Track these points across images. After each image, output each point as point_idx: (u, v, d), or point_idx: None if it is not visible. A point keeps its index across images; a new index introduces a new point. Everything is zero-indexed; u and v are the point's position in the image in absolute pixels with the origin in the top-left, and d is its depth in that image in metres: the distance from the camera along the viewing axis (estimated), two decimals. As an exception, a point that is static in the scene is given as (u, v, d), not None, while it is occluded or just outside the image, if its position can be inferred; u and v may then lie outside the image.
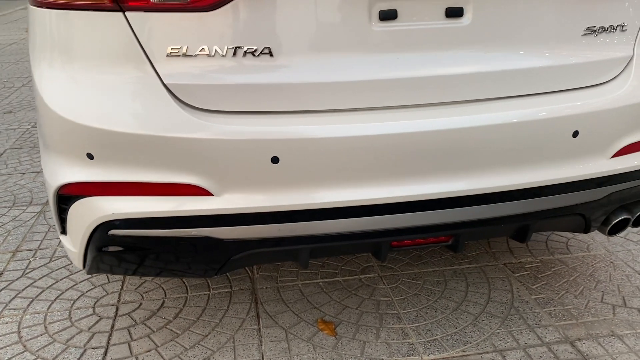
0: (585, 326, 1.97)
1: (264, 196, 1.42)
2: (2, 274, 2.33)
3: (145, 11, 1.35)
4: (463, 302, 2.12)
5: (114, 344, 1.92)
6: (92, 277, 2.29)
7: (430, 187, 1.48)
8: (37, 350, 1.89)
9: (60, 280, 2.28)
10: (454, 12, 1.44)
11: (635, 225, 1.85)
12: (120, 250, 1.51)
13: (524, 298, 2.13)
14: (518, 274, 2.28)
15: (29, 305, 2.13)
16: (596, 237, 2.55)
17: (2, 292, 2.21)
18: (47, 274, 2.31)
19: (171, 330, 1.98)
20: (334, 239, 1.51)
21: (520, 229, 1.68)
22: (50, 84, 1.42)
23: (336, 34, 1.41)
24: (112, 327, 2.00)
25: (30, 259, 2.43)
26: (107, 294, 2.19)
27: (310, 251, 1.55)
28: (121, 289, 2.21)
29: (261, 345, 1.90)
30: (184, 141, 1.36)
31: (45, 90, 1.42)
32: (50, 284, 2.25)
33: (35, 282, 2.27)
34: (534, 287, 2.20)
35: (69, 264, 2.37)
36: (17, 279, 2.29)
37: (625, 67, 1.62)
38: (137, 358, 1.85)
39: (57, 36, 1.41)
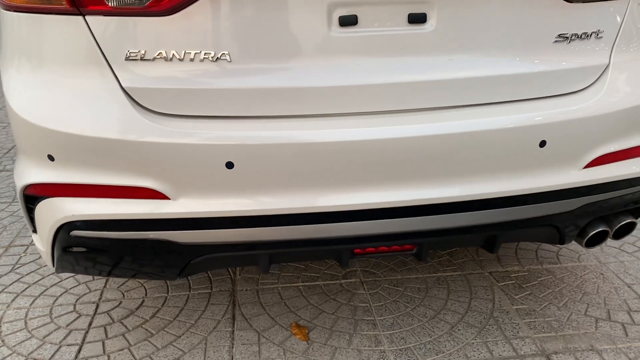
0: (564, 339, 1.92)
1: (220, 201, 1.42)
2: (-8, 268, 2.38)
3: (104, 15, 1.36)
4: (442, 310, 2.08)
5: (89, 342, 1.94)
6: (77, 275, 2.32)
7: (388, 195, 1.46)
8: (14, 346, 1.93)
9: (47, 277, 2.32)
10: (417, 18, 1.42)
11: (616, 237, 1.80)
12: (84, 251, 1.53)
13: (504, 308, 2.09)
14: (502, 283, 2.24)
15: (13, 300, 2.17)
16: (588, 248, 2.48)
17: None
18: (35, 270, 2.36)
19: (146, 329, 2.00)
20: (292, 245, 1.50)
21: (488, 239, 1.65)
22: (14, 86, 1.45)
23: (295, 39, 1.40)
24: (90, 324, 2.03)
25: (21, 255, 2.48)
26: (90, 291, 2.22)
27: (269, 257, 1.54)
28: (104, 287, 2.24)
29: (232, 347, 1.91)
30: (139, 144, 1.37)
31: (9, 92, 1.45)
32: (36, 279, 2.29)
33: (22, 277, 2.31)
34: (516, 297, 2.15)
35: (57, 261, 2.41)
36: (5, 274, 2.34)
37: (600, 75, 1.57)
38: (109, 356, 1.87)
39: (20, 39, 1.43)
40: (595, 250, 2.47)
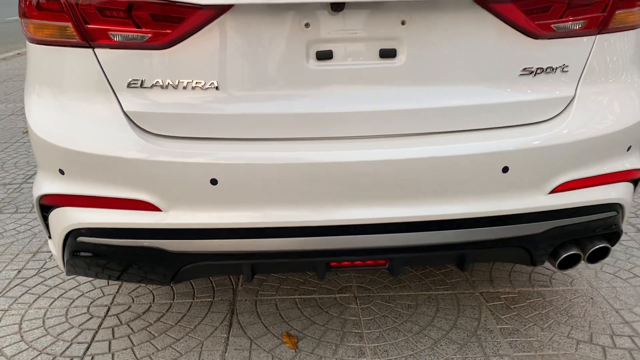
0: (542, 358, 1.99)
1: (206, 213, 1.59)
2: (20, 271, 2.61)
3: (110, 48, 1.56)
4: (427, 326, 2.18)
5: (97, 341, 2.12)
6: (95, 279, 2.52)
7: (360, 213, 1.59)
8: (31, 341, 2.13)
9: (67, 280, 2.53)
10: (388, 53, 1.56)
11: (590, 261, 1.87)
12: (89, 256, 1.71)
13: (489, 327, 2.17)
14: (491, 303, 2.31)
15: (34, 300, 2.38)
16: (583, 272, 2.53)
17: (16, 287, 2.48)
18: (57, 274, 2.57)
19: (149, 332, 2.17)
20: (271, 257, 1.65)
21: (459, 257, 1.75)
22: (34, 108, 1.66)
23: (277, 71, 1.56)
24: (100, 325, 2.21)
25: (47, 260, 2.70)
26: (104, 295, 2.41)
27: (251, 267, 1.69)
28: (117, 292, 2.43)
29: (225, 352, 2.05)
30: (136, 162, 1.55)
31: (30, 113, 1.66)
32: (57, 283, 2.51)
33: (45, 280, 2.53)
34: (503, 317, 2.23)
35: (77, 267, 2.62)
36: (31, 277, 2.56)
37: (566, 107, 1.66)
38: (113, 355, 2.05)
39: (40, 67, 1.65)
40: (589, 274, 2.51)
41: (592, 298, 2.34)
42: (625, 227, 2.93)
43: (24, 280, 2.54)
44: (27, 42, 1.69)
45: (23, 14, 1.63)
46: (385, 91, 1.59)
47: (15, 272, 2.61)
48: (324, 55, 1.55)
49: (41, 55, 1.64)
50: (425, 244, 1.65)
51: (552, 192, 1.67)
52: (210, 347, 2.08)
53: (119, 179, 1.58)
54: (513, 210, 1.65)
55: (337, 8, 1.50)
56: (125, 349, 2.07)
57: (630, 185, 1.81)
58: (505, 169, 1.59)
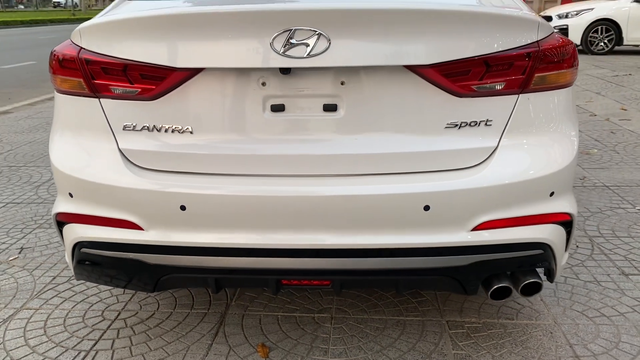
0: (483, 383, 2.18)
1: (177, 233, 1.94)
2: (55, 278, 3.06)
3: (111, 98, 1.96)
4: (389, 347, 2.42)
5: (103, 339, 2.51)
6: (113, 288, 2.93)
7: (305, 239, 1.89)
8: (52, 335, 2.54)
9: (90, 288, 2.95)
10: (330, 108, 1.88)
11: (524, 294, 2.06)
12: (90, 264, 2.10)
13: (444, 351, 2.37)
14: (453, 331, 2.52)
15: (61, 303, 2.81)
16: (552, 308, 2.68)
17: (49, 291, 2.92)
18: (83, 282, 3.00)
19: (147, 335, 2.53)
20: (231, 272, 1.97)
21: (393, 283, 2.00)
22: (54, 144, 2.09)
23: (239, 120, 1.91)
24: (109, 326, 2.60)
25: (78, 270, 3.15)
26: (118, 302, 2.81)
27: (215, 280, 2.02)
28: (129, 300, 2.83)
29: (206, 356, 2.38)
30: (125, 189, 1.93)
31: (51, 147, 2.09)
32: (82, 289, 2.93)
33: (73, 287, 2.96)
34: (460, 343, 2.43)
35: (100, 277, 3.05)
36: (62, 283, 3.00)
37: (489, 156, 1.91)
38: (114, 351, 2.42)
39: (62, 111, 2.08)
40: (557, 311, 2.66)
41: (551, 332, 2.50)
42: (609, 268, 3.05)
43: (56, 286, 2.98)
44: (55, 92, 2.13)
45: (52, 71, 2.07)
46: (327, 139, 1.90)
47: (51, 278, 3.07)
48: (277, 108, 1.89)
49: (63, 103, 2.07)
50: (360, 269, 1.92)
51: (474, 229, 1.90)
52: (194, 351, 2.41)
53: (112, 202, 1.97)
54: (438, 243, 1.90)
55: (284, 71, 1.84)
56: (124, 347, 2.44)
57: (558, 227, 2.01)
58: (426, 208, 1.85)
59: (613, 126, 6.35)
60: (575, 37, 13.21)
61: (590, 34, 13.14)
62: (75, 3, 74.11)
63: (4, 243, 3.52)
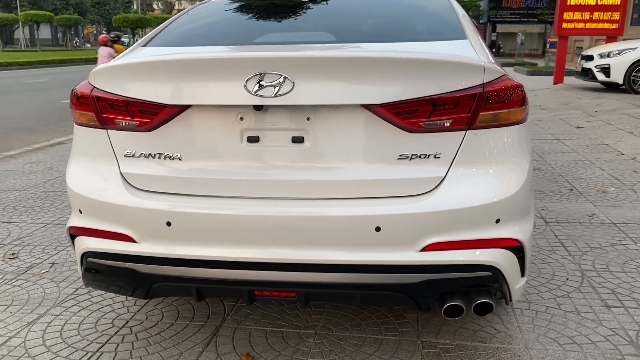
0: (442, 397, 2.34)
1: (164, 246, 2.24)
2: (77, 289, 3.42)
3: (116, 130, 2.32)
4: (362, 362, 2.61)
5: (109, 342, 2.81)
6: (127, 299, 3.26)
7: (272, 253, 2.15)
8: (66, 338, 2.87)
9: (106, 299, 3.28)
10: (298, 139, 2.16)
11: (477, 313, 2.24)
12: (94, 272, 2.43)
13: (412, 368, 2.55)
14: (426, 351, 2.69)
15: (78, 311, 3.15)
16: (526, 334, 2.81)
17: (70, 300, 3.28)
18: (101, 294, 3.34)
19: (148, 341, 2.82)
20: (209, 282, 2.25)
21: (351, 297, 2.22)
22: (70, 167, 2.45)
23: (220, 149, 2.22)
24: (116, 332, 2.91)
25: (98, 283, 3.49)
26: (128, 312, 3.13)
27: (197, 290, 2.30)
28: (138, 311, 3.14)
29: (195, 361, 2.64)
30: (122, 206, 2.26)
31: (68, 171, 2.46)
32: (98, 300, 3.27)
33: (91, 297, 3.31)
34: (429, 362, 2.60)
35: (116, 290, 3.38)
36: (82, 294, 3.35)
37: (437, 184, 2.13)
38: (116, 353, 2.72)
39: (77, 140, 2.45)
40: (531, 337, 2.79)
41: (519, 356, 2.63)
42: (593, 300, 3.14)
43: (77, 296, 3.33)
44: (74, 124, 2.51)
45: (71, 106, 2.45)
46: (295, 166, 2.18)
47: (74, 289, 3.43)
48: (253, 139, 2.19)
49: (79, 133, 2.45)
50: (321, 282, 2.16)
51: (423, 250, 2.11)
52: (186, 357, 2.68)
53: (112, 218, 2.29)
54: (389, 261, 2.11)
55: (258, 108, 2.14)
56: (126, 350, 2.74)
57: (507, 252, 2.19)
58: (377, 229, 2.08)
59: (638, 166, 6.34)
60: (618, 76, 13.08)
61: (634, 73, 12.98)
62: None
63: (38, 258, 3.93)
